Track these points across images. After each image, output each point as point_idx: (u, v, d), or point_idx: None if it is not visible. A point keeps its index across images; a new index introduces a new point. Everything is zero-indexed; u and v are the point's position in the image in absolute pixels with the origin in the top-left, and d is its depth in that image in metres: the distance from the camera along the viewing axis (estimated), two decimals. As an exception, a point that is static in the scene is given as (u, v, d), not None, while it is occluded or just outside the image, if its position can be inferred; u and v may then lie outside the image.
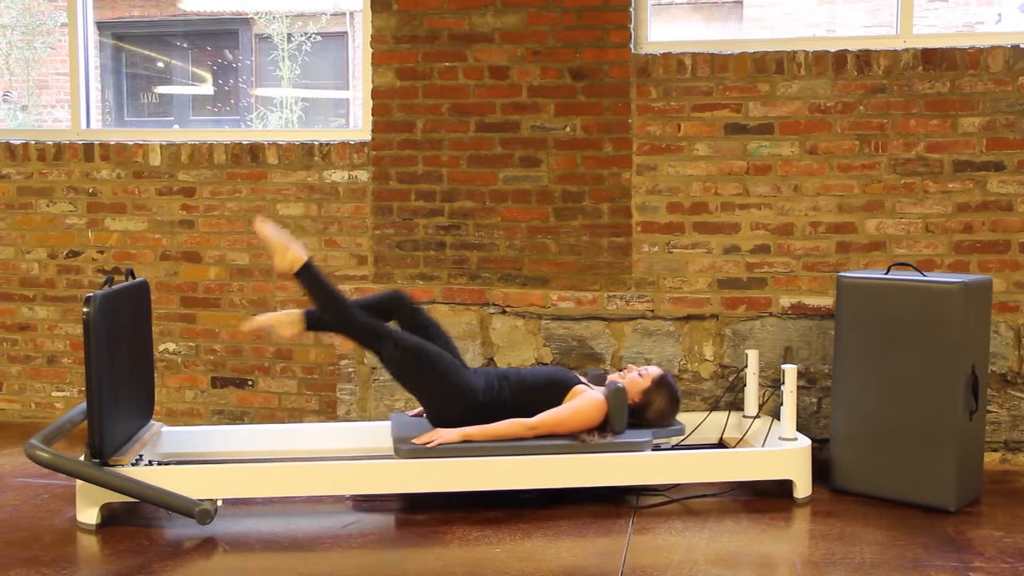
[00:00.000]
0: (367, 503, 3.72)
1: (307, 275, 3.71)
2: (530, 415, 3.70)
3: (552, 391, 3.78)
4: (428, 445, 3.58)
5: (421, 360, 3.70)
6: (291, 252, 3.70)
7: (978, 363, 3.71)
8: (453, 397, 3.70)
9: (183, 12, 10.80)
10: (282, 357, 4.77)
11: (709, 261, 4.44)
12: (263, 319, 3.82)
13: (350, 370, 4.68)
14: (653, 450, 3.73)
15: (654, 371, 3.90)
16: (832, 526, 3.49)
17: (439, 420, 3.73)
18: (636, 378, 3.86)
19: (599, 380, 3.94)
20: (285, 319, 3.82)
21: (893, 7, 4.47)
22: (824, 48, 4.33)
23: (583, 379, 3.90)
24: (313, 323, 3.82)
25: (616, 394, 3.74)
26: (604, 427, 3.73)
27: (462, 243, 4.59)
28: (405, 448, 3.59)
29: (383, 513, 3.63)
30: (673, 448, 4.05)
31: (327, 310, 3.74)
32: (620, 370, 4.03)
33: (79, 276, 4.98)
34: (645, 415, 3.84)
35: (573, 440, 3.66)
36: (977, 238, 4.26)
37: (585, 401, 3.72)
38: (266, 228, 3.73)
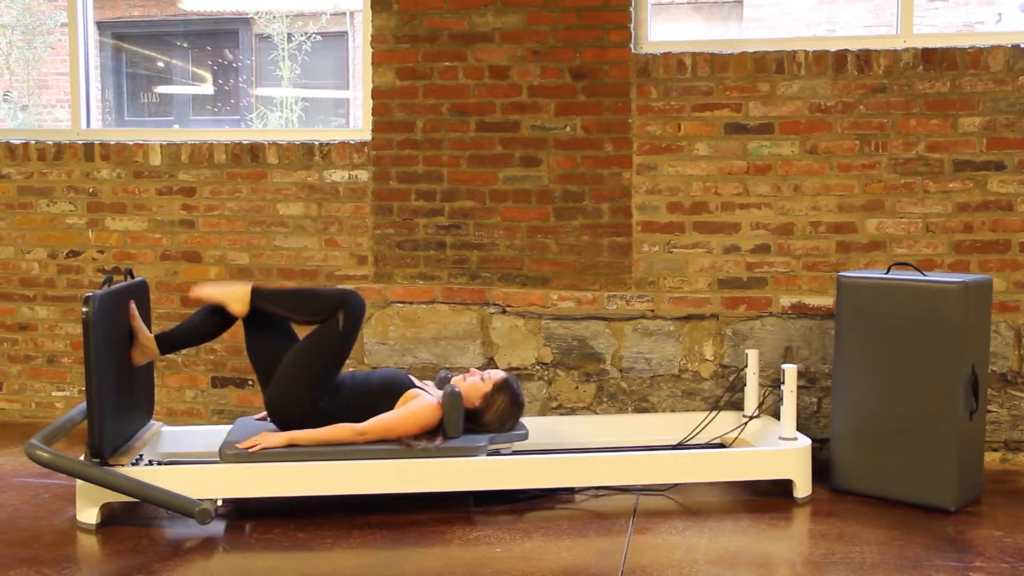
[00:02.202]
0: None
1: (262, 299, 3.71)
2: (365, 419, 3.65)
3: (386, 395, 3.72)
4: (252, 449, 3.53)
5: (346, 347, 3.68)
6: (236, 290, 3.70)
7: (978, 363, 3.71)
8: (307, 392, 3.62)
9: (183, 12, 10.80)
10: (282, 357, 4.76)
11: (709, 261, 4.44)
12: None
13: (351, 370, 4.68)
14: (489, 455, 3.66)
15: (497, 375, 3.82)
16: (832, 526, 3.49)
17: (280, 420, 3.67)
18: (477, 382, 3.78)
19: (445, 384, 3.87)
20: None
21: (893, 7, 4.47)
22: (824, 48, 4.32)
23: (418, 383, 3.83)
24: (168, 346, 3.75)
25: (451, 398, 3.66)
26: (438, 432, 3.67)
27: (462, 243, 4.59)
28: (229, 452, 3.54)
29: (382, 513, 3.63)
30: (675, 448, 4.05)
31: (294, 309, 3.72)
32: (463, 374, 3.92)
33: (79, 276, 4.98)
34: (484, 419, 3.76)
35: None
36: (977, 238, 4.26)
37: (417, 405, 3.66)
38: (203, 289, 3.73)
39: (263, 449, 3.54)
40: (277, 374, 3.67)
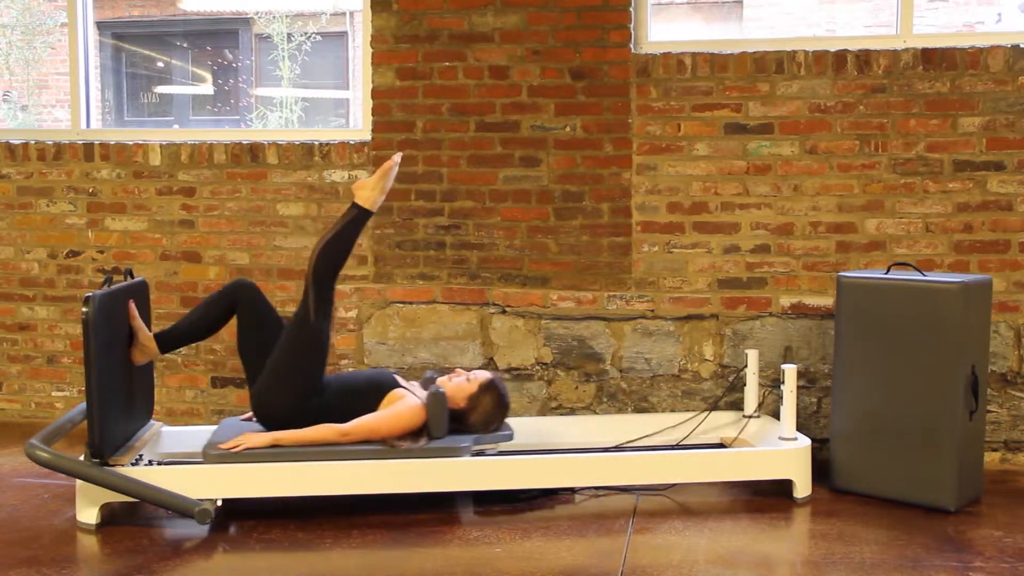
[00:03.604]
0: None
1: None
2: (350, 419, 3.63)
3: (370, 395, 3.71)
4: (235, 450, 3.52)
5: (320, 342, 3.65)
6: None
7: (978, 363, 3.71)
8: (296, 393, 3.62)
9: (183, 12, 10.80)
10: (282, 357, 4.76)
11: (709, 261, 4.44)
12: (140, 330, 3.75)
13: (350, 370, 4.68)
14: (474, 456, 3.65)
15: (482, 375, 3.81)
16: (832, 526, 3.49)
17: (267, 420, 3.66)
18: (463, 383, 3.77)
19: (431, 384, 3.85)
20: (145, 347, 3.74)
21: (893, 7, 4.47)
22: (824, 48, 4.32)
23: (404, 383, 3.82)
24: (168, 345, 3.77)
25: (435, 399, 3.65)
26: (422, 432, 3.65)
27: (462, 243, 4.59)
28: (212, 453, 3.53)
29: (382, 513, 3.63)
30: (673, 448, 4.05)
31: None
32: (449, 374, 3.91)
33: (79, 276, 4.98)
34: (469, 420, 3.75)
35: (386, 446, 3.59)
36: (977, 238, 4.26)
37: (401, 407, 3.65)
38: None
39: (246, 450, 3.53)
40: (262, 374, 3.67)
